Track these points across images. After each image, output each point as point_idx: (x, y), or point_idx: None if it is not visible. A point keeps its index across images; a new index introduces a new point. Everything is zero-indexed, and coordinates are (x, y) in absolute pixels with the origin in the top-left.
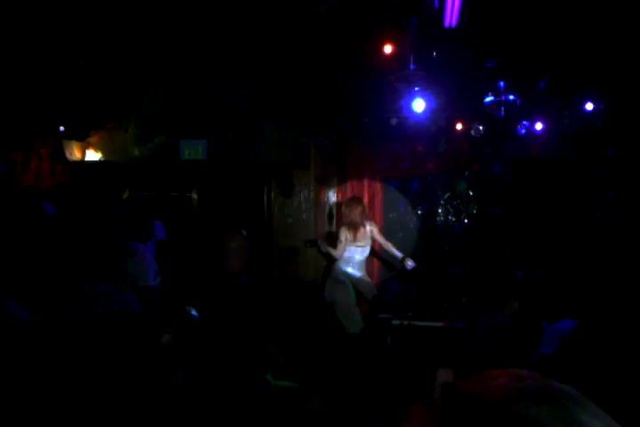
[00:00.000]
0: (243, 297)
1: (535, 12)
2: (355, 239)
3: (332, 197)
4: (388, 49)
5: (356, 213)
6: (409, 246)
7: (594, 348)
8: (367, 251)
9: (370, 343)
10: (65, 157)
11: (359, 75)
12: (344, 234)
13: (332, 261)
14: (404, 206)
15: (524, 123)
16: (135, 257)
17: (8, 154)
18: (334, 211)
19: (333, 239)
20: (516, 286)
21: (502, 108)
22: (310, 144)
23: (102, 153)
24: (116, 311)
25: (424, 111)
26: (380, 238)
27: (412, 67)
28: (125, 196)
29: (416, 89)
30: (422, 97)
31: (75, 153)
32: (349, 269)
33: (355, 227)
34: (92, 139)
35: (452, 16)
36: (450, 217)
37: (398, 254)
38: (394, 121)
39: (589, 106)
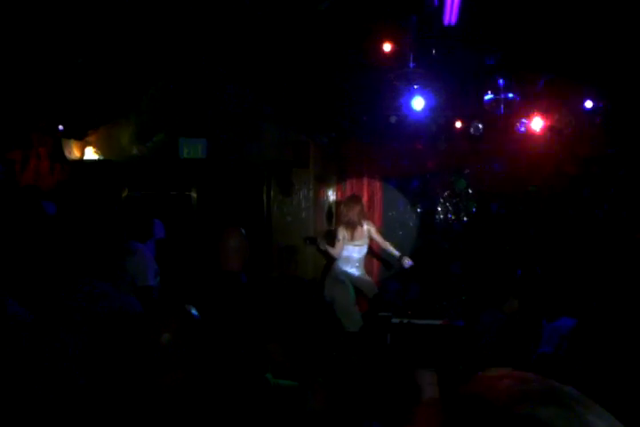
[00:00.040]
0: (242, 296)
1: (534, 10)
2: (352, 238)
3: (332, 195)
4: (387, 47)
5: (354, 213)
6: (408, 244)
7: (594, 346)
8: (365, 249)
9: (369, 342)
10: (64, 156)
11: (359, 73)
12: (342, 233)
13: (331, 259)
14: (404, 205)
15: (524, 121)
16: (135, 256)
17: (7, 153)
18: (334, 209)
19: (332, 238)
20: (515, 283)
21: (502, 106)
22: (310, 142)
23: (101, 152)
24: (115, 311)
25: (423, 109)
26: (377, 237)
27: (411, 65)
28: (125, 195)
29: (415, 87)
30: (422, 95)
31: (74, 152)
32: (348, 268)
33: (353, 226)
34: (91, 138)
35: (451, 14)
36: (449, 215)
37: (396, 253)
38: (393, 119)
39: (589, 104)
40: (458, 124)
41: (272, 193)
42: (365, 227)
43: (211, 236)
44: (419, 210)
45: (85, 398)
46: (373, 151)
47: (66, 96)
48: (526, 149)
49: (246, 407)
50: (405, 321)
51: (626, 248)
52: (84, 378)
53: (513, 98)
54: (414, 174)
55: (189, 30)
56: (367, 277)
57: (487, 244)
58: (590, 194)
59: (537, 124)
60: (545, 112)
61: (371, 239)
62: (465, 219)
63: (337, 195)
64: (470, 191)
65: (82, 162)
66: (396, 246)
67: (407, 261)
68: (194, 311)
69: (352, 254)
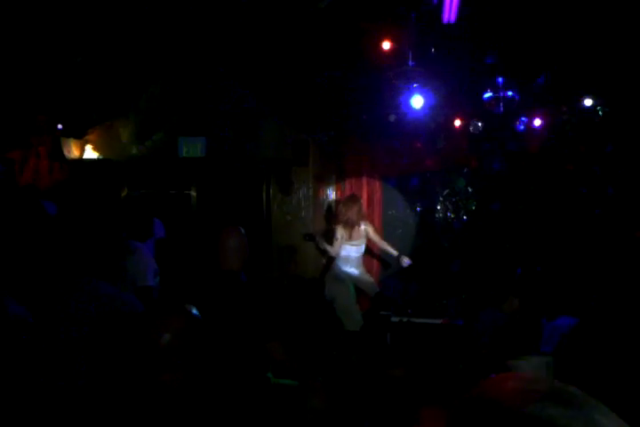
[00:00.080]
0: (242, 295)
1: (533, 8)
2: (350, 238)
3: (331, 194)
4: (386, 45)
5: (352, 212)
6: (408, 243)
7: (594, 345)
8: (363, 249)
9: (369, 341)
10: (63, 155)
11: (358, 71)
12: (340, 232)
13: (331, 259)
14: (403, 203)
15: (523, 119)
16: (134, 256)
17: (6, 152)
18: (333, 208)
19: (331, 237)
20: (515, 282)
21: (501, 104)
22: (309, 141)
23: (101, 151)
24: (116, 310)
25: (423, 108)
26: (375, 237)
27: (410, 63)
28: (124, 194)
29: (415, 85)
30: (421, 93)
31: (73, 151)
32: (348, 268)
33: (351, 225)
34: (91, 136)
35: (450, 12)
36: (449, 214)
37: (394, 253)
38: (392, 117)
39: (588, 101)
40: (457, 123)
41: (271, 192)
42: (363, 227)
43: (210, 235)
44: (418, 209)
45: (85, 397)
46: (373, 150)
47: (65, 95)
48: (526, 147)
49: (247, 406)
50: (405, 320)
51: (625, 246)
52: (84, 377)
53: (512, 96)
54: (414, 173)
55: (189, 29)
56: (368, 276)
57: (487, 242)
58: (589, 192)
59: (536, 122)
60: (544, 110)
61: (368, 239)
62: (464, 217)
63: (336, 193)
64: (470, 190)
65: (81, 161)
66: (395, 245)
67: (406, 261)
68: (194, 311)
69: (350, 254)
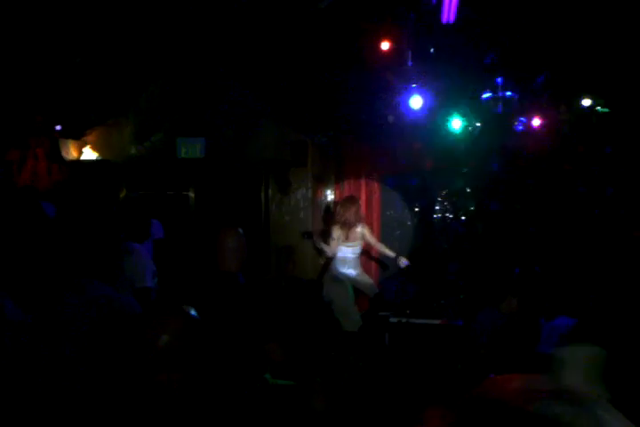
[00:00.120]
0: (240, 296)
1: (532, 8)
2: (347, 239)
3: (330, 194)
4: (385, 45)
5: (350, 213)
6: (406, 243)
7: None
8: (359, 250)
9: (368, 342)
10: (61, 157)
11: (357, 72)
12: (337, 232)
13: (329, 259)
14: (402, 203)
15: (522, 119)
16: (132, 257)
17: (4, 154)
18: (332, 209)
19: (328, 237)
20: (513, 282)
21: (500, 105)
22: (308, 142)
23: (99, 152)
24: (114, 312)
25: (421, 108)
26: (371, 240)
27: (409, 63)
28: (122, 195)
29: (413, 86)
30: (420, 94)
31: (71, 152)
32: (345, 269)
33: (348, 226)
34: (89, 137)
35: (449, 12)
36: (447, 214)
37: (391, 254)
38: (391, 118)
39: (587, 101)
40: (456, 123)
41: (270, 193)
42: (359, 229)
43: (208, 236)
44: (417, 209)
45: (84, 398)
46: (371, 150)
47: (63, 96)
48: (524, 147)
49: (245, 407)
50: (404, 321)
51: (624, 246)
52: (82, 379)
53: (511, 96)
54: (412, 173)
55: (188, 30)
56: (366, 277)
57: (485, 242)
58: (588, 192)
59: (535, 122)
60: (543, 110)
61: (365, 241)
62: (463, 218)
63: (335, 194)
64: (468, 190)
65: (79, 162)
66: (393, 245)
67: (403, 261)
68: (192, 312)
69: (347, 255)
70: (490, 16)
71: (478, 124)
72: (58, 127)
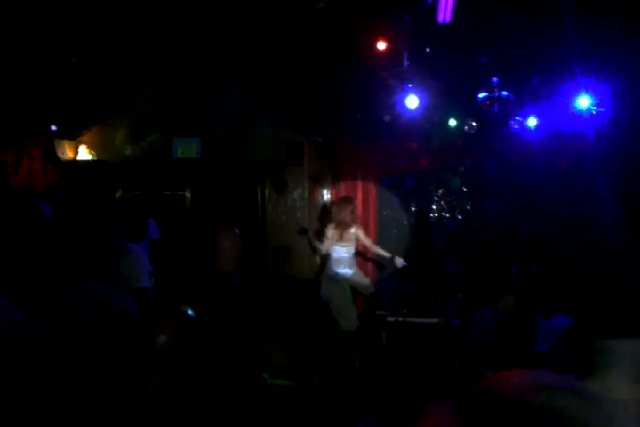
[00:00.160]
0: (237, 297)
1: (528, 7)
2: (341, 239)
3: (326, 194)
4: (381, 45)
5: (346, 213)
6: (403, 243)
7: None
8: (353, 249)
9: (365, 341)
10: (57, 157)
11: (353, 72)
12: (331, 232)
13: (323, 258)
14: (398, 203)
15: (518, 118)
16: (129, 257)
17: (0, 154)
18: (328, 208)
19: (322, 235)
20: (510, 281)
21: (496, 104)
22: (304, 142)
23: (95, 152)
24: (111, 312)
25: (417, 108)
26: (366, 241)
27: (405, 63)
28: (118, 195)
29: (410, 85)
30: (416, 93)
31: (67, 152)
32: (341, 269)
33: (343, 226)
34: (84, 138)
35: (445, 12)
36: (444, 213)
37: (387, 255)
38: (387, 118)
39: (583, 101)
40: (452, 123)
41: (266, 192)
42: (354, 230)
43: (205, 236)
44: (413, 208)
45: (80, 399)
46: (368, 150)
47: (59, 96)
48: (520, 146)
49: (243, 407)
50: (401, 320)
51: (622, 245)
52: (79, 379)
53: (507, 96)
54: (409, 173)
55: (184, 30)
56: (362, 277)
57: (481, 242)
58: (583, 191)
59: (531, 121)
60: (539, 110)
61: (359, 243)
62: (459, 217)
63: (331, 194)
64: (464, 189)
65: (75, 162)
66: (390, 245)
67: (399, 261)
68: (189, 312)
69: (342, 255)
70: (486, 15)
71: (474, 124)
72: (53, 127)
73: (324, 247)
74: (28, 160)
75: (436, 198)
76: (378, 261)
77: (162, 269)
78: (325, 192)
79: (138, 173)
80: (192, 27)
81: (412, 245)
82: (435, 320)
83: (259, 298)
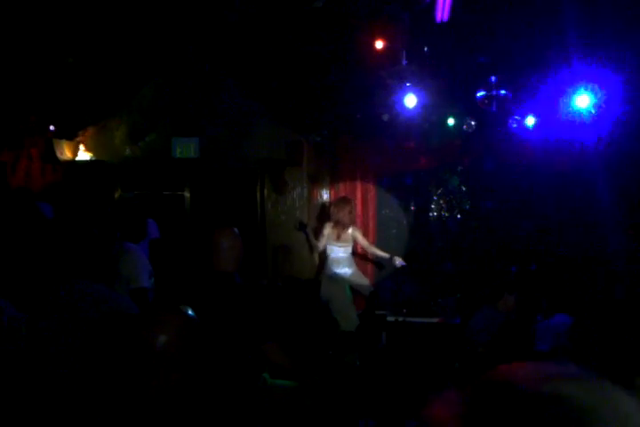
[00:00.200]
0: (236, 296)
1: (525, 6)
2: (338, 239)
3: (325, 193)
4: (379, 45)
5: (344, 213)
6: (402, 242)
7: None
8: (350, 249)
9: (365, 341)
10: (55, 157)
11: (351, 71)
12: (328, 230)
13: (321, 258)
14: (397, 202)
15: (516, 117)
16: (129, 257)
17: None
18: (327, 208)
19: (319, 233)
20: (509, 280)
21: (494, 103)
22: (303, 141)
23: (93, 152)
24: (110, 312)
25: (416, 107)
26: (363, 243)
27: (404, 62)
28: (117, 195)
29: (408, 84)
30: (414, 92)
31: (65, 152)
32: (340, 269)
33: (341, 226)
34: (83, 138)
35: (443, 11)
36: (443, 213)
37: (385, 255)
38: (386, 117)
39: (582, 100)
40: (451, 122)
41: (266, 192)
42: (351, 231)
43: (204, 236)
44: (412, 208)
45: (80, 400)
46: (366, 149)
47: (57, 96)
48: (519, 145)
49: (244, 407)
50: (401, 319)
51: (621, 245)
52: (79, 380)
53: (505, 95)
54: (407, 172)
55: (182, 29)
56: (362, 277)
57: (481, 241)
58: (583, 190)
59: (529, 120)
60: (537, 109)
61: (357, 244)
62: (458, 216)
63: (330, 193)
64: (463, 188)
65: (74, 162)
66: (389, 244)
67: (398, 262)
68: (189, 312)
69: (339, 255)
70: (484, 14)
71: (473, 123)
72: (52, 127)
73: (319, 244)
74: (26, 160)
75: (435, 198)
76: (377, 262)
77: (162, 269)
78: (324, 191)
79: (137, 173)
80: (190, 26)
81: (412, 244)
82: (435, 320)
83: (259, 298)
